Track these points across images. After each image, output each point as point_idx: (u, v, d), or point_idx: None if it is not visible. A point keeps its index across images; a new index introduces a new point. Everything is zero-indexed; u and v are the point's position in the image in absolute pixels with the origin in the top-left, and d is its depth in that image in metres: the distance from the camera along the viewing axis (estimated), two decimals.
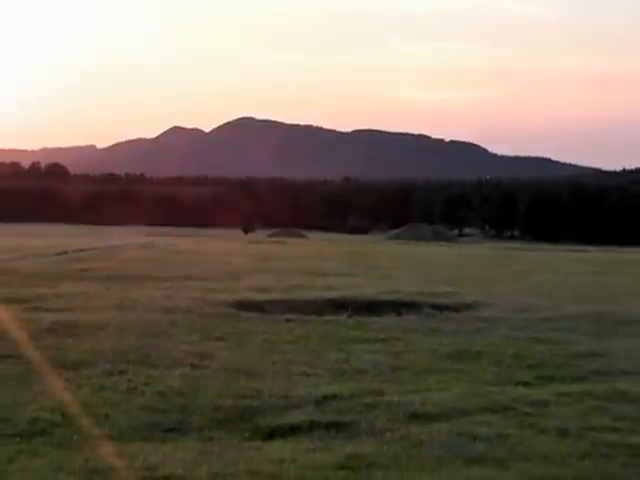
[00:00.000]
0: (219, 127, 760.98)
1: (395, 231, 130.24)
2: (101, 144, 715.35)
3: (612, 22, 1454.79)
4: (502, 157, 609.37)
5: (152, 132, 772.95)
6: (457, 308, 24.23)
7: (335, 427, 11.05)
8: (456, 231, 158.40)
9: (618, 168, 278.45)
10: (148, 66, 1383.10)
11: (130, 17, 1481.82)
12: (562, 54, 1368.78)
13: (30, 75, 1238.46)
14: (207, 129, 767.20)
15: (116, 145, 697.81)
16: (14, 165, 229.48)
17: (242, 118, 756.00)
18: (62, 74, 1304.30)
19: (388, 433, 10.77)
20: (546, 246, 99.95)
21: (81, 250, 51.18)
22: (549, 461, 9.67)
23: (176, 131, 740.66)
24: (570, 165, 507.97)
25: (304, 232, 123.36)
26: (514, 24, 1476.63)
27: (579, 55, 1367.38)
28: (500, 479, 8.88)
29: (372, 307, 24.22)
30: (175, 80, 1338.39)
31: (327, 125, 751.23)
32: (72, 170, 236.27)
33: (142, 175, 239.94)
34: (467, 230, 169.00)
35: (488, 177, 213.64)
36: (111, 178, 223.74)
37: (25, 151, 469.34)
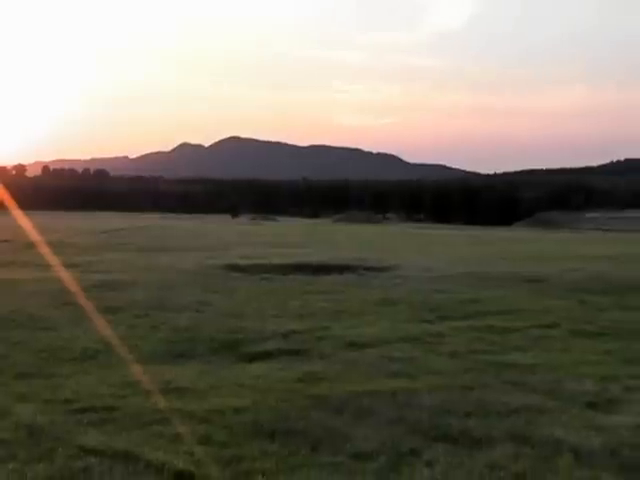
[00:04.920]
0: (215, 143, 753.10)
1: (338, 216, 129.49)
2: (132, 155, 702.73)
3: (490, 69, 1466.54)
4: (413, 164, 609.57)
5: (168, 146, 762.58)
6: (381, 269, 24.27)
7: (296, 353, 11.02)
8: (381, 216, 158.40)
9: (491, 172, 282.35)
10: (166, 98, 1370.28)
11: (155, 61, 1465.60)
12: (454, 92, 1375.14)
13: (79, 105, 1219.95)
14: (207, 144, 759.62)
15: (142, 156, 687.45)
16: (71, 171, 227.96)
17: (231, 137, 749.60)
18: (103, 104, 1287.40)
19: (333, 357, 10.78)
20: (442, 226, 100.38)
21: (118, 230, 50.66)
22: (444, 375, 9.73)
23: (185, 146, 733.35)
24: (459, 170, 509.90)
25: (275, 217, 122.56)
26: (421, 72, 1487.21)
27: (467, 92, 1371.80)
28: (411, 387, 8.91)
29: (321, 269, 24.15)
30: (185, 108, 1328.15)
31: (290, 141, 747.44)
32: (112, 174, 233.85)
33: (161, 177, 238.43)
34: (388, 215, 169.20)
35: (403, 178, 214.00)
36: (139, 179, 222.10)
37: (79, 160, 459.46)
